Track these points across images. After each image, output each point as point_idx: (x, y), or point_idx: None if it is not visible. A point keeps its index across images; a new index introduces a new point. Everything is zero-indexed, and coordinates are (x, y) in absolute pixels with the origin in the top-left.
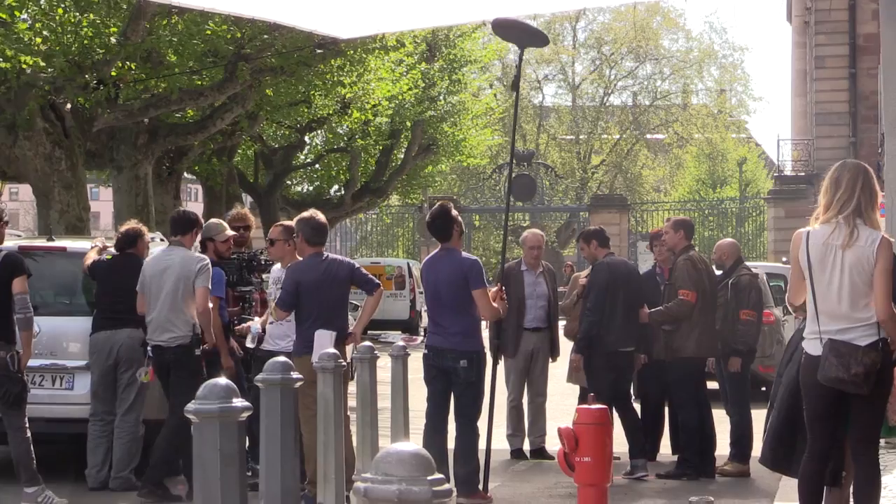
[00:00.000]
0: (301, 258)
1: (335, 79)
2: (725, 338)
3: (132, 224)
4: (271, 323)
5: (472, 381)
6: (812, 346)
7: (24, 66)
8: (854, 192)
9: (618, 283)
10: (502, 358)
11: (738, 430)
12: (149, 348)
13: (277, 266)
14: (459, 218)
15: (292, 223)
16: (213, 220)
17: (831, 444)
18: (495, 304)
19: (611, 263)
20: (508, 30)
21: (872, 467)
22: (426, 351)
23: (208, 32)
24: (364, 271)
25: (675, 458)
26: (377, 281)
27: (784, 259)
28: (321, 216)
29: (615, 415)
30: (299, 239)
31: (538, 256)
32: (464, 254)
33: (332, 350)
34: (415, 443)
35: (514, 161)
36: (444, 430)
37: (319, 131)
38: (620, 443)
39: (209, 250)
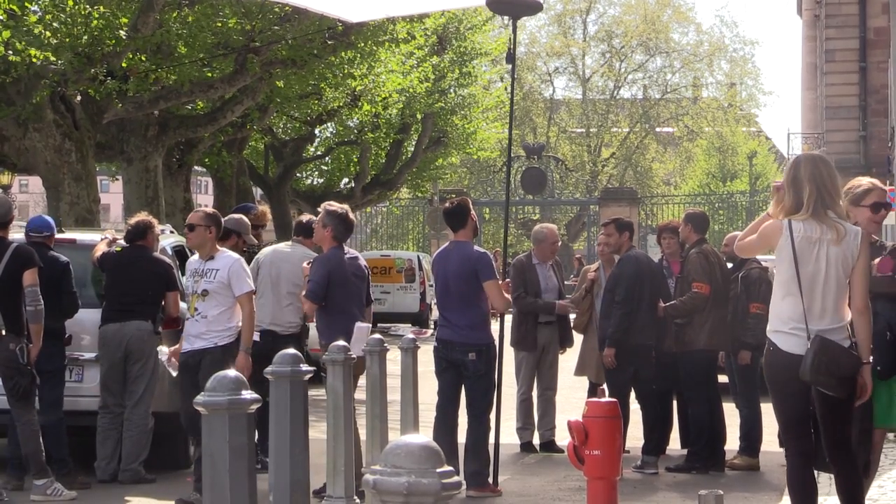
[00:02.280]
0: (323, 251)
1: (346, 71)
2: (735, 331)
3: (142, 216)
4: (187, 320)
5: (481, 373)
6: (788, 342)
7: (34, 59)
8: (825, 186)
9: (644, 277)
10: (514, 351)
11: (748, 423)
12: (257, 332)
13: (195, 257)
14: (475, 215)
15: (215, 211)
16: (242, 217)
17: (814, 440)
18: (507, 296)
19: (638, 256)
20: (502, 5)
21: (853, 468)
22: (436, 344)
23: (219, 24)
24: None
25: (685, 451)
26: (372, 299)
27: None
28: (351, 213)
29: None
30: (328, 232)
31: (556, 251)
32: (474, 247)
33: (342, 343)
34: (424, 435)
35: (525, 154)
36: (454, 422)
37: (330, 124)
38: (631, 437)
39: (230, 243)
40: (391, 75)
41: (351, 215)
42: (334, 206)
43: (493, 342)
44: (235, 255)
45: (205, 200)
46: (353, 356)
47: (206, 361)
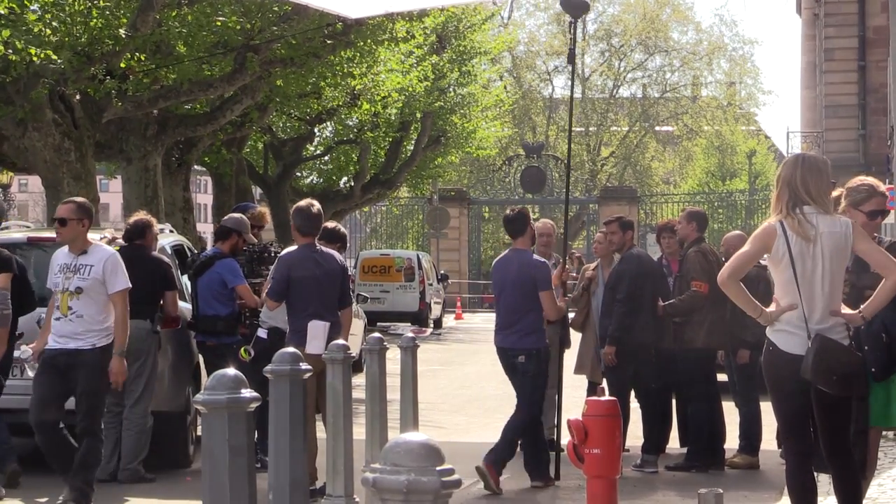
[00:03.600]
0: (294, 248)
1: (345, 70)
2: (734, 330)
3: (141, 215)
4: (57, 319)
5: (529, 374)
6: (788, 342)
7: (34, 58)
8: (797, 188)
9: (645, 276)
10: None
11: (747, 422)
12: (265, 330)
13: (65, 250)
14: (534, 224)
15: (85, 200)
16: (242, 217)
17: (813, 439)
18: (560, 304)
19: (640, 255)
20: (572, 6)
21: (851, 468)
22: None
23: (218, 23)
24: (348, 282)
25: (684, 450)
26: (352, 298)
27: None
28: (317, 206)
29: (631, 407)
30: (291, 228)
31: (552, 245)
32: (534, 256)
33: (342, 342)
34: (424, 433)
35: (524, 153)
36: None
37: (329, 123)
38: (631, 436)
39: (230, 242)
40: (391, 74)
41: (315, 209)
42: (299, 203)
43: (544, 346)
44: (110, 250)
45: (204, 199)
46: (354, 355)
47: (82, 363)
